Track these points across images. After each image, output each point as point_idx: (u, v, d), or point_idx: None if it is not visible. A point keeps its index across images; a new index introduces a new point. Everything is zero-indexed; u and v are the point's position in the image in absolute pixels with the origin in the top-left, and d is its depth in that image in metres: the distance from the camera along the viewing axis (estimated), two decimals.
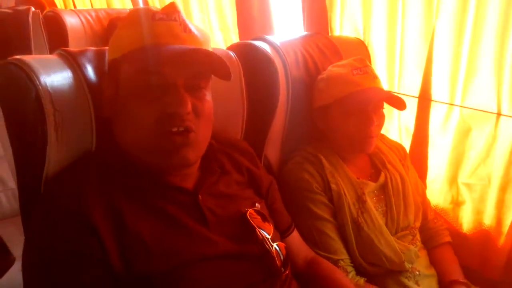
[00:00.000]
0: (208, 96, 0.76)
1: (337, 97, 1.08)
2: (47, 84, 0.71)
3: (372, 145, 1.10)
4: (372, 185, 1.12)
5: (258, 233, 0.79)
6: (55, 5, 3.00)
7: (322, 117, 1.14)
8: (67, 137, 0.73)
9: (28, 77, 0.69)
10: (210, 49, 0.77)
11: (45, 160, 0.71)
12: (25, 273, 0.66)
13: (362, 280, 1.01)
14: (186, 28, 0.72)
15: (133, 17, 0.73)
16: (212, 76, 0.77)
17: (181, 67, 0.70)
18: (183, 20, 0.72)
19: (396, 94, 1.29)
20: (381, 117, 1.11)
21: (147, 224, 0.69)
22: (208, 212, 0.76)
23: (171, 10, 0.72)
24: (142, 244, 0.67)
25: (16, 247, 1.27)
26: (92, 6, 2.98)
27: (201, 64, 0.72)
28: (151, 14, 0.71)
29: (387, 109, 1.13)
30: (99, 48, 0.85)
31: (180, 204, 0.74)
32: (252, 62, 1.08)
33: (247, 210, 0.82)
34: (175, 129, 0.69)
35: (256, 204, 0.85)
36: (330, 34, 1.49)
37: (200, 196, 0.77)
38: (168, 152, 0.71)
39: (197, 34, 0.74)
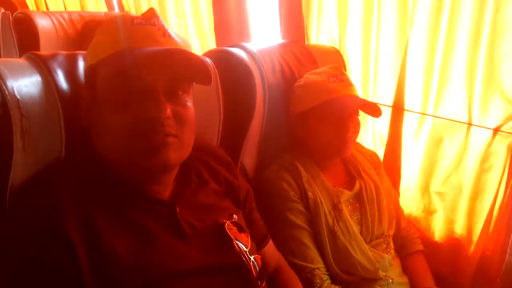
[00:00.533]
0: (190, 103, 0.74)
1: (314, 104, 1.09)
2: (14, 88, 0.68)
3: (349, 150, 1.12)
4: (347, 194, 1.13)
5: (236, 245, 0.78)
6: (26, 6, 2.92)
7: (300, 124, 1.14)
8: (35, 144, 0.70)
9: None
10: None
11: (11, 169, 0.68)
12: None
13: None
14: (165, 33, 0.71)
15: (111, 23, 0.71)
16: None
17: (160, 71, 0.68)
18: (162, 25, 0.71)
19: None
20: (357, 124, 1.12)
21: (122, 238, 0.66)
22: (186, 225, 0.74)
23: (149, 15, 0.70)
24: (116, 259, 0.64)
25: None
26: (65, 9, 2.91)
27: (180, 67, 0.70)
28: (129, 19, 0.69)
29: (362, 117, 1.15)
30: (70, 52, 0.82)
31: (157, 217, 0.72)
32: (228, 69, 1.08)
33: (225, 222, 0.80)
34: (153, 135, 0.67)
35: (234, 216, 0.84)
36: (306, 43, 1.50)
37: (177, 208, 0.75)
38: (146, 153, 0.68)
39: (177, 40, 0.72)
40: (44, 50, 1.86)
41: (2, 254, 0.62)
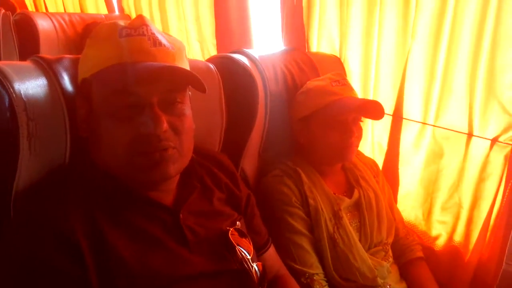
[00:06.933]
0: (187, 111, 0.74)
1: (317, 107, 1.10)
2: (21, 91, 0.68)
3: (353, 154, 1.12)
4: (347, 201, 1.13)
5: (238, 252, 0.78)
6: (26, 7, 2.91)
7: (303, 129, 1.15)
8: (40, 148, 0.70)
9: (0, 83, 0.66)
10: (184, 60, 0.75)
11: (16, 172, 0.68)
12: None
13: None
14: (155, 42, 0.69)
15: (100, 34, 0.70)
16: (192, 89, 0.75)
17: (154, 85, 0.67)
18: (152, 34, 0.69)
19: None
20: (360, 130, 1.13)
21: (126, 242, 0.66)
22: (189, 232, 0.75)
23: (138, 24, 0.69)
24: (121, 264, 0.64)
25: None
26: (65, 10, 2.90)
27: (174, 79, 0.70)
28: (118, 30, 0.68)
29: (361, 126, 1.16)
30: (75, 56, 0.82)
31: (161, 223, 0.72)
32: (231, 75, 1.08)
33: (228, 229, 0.80)
34: (152, 150, 0.68)
35: (237, 223, 0.84)
36: (307, 50, 1.51)
37: (181, 215, 0.75)
38: (147, 169, 0.69)
39: (168, 46, 0.71)
40: (44, 52, 1.87)
41: (8, 260, 0.62)
